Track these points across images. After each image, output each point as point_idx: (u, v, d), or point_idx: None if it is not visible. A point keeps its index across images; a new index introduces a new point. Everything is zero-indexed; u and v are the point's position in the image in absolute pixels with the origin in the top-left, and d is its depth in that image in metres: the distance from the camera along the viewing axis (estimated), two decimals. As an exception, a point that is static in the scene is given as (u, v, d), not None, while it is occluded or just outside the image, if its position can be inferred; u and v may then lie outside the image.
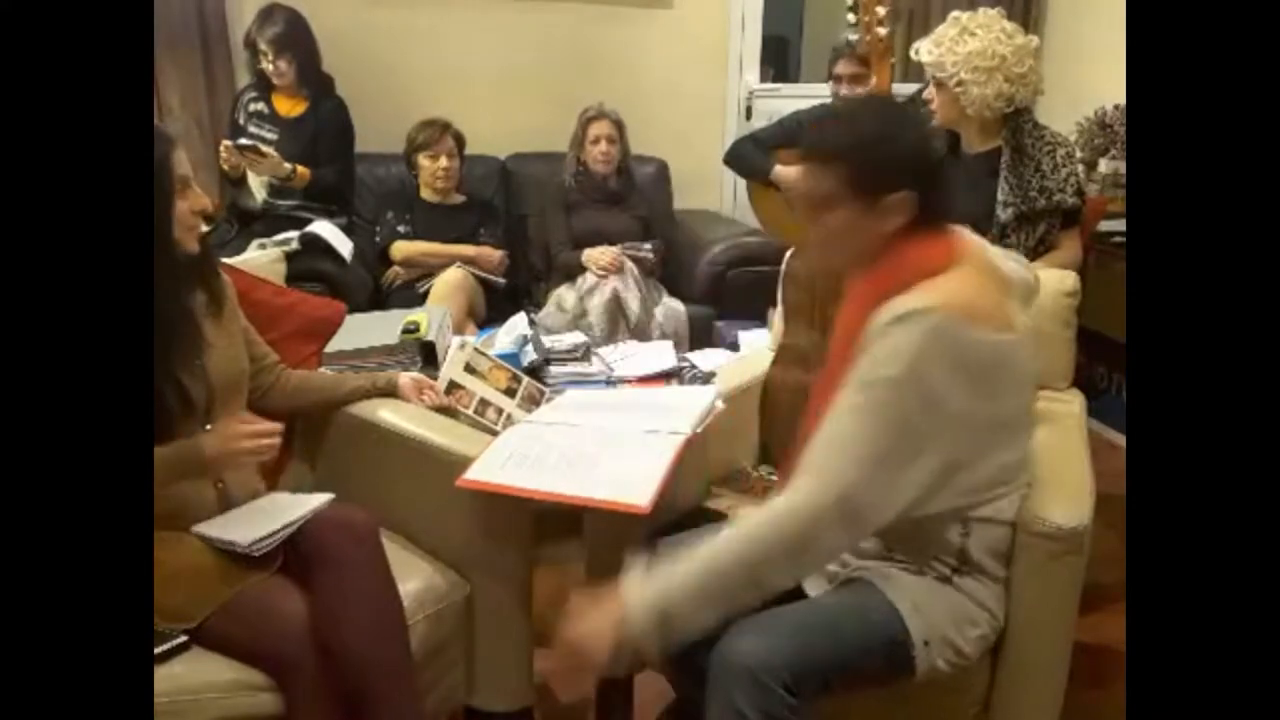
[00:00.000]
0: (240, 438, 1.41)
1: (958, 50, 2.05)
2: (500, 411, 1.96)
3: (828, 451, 1.23)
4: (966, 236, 1.37)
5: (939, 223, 1.34)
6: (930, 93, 2.14)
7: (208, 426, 1.48)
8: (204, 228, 1.50)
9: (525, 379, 2.07)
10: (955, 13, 2.13)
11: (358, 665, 1.30)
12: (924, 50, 2.10)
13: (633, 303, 2.94)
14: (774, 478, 1.90)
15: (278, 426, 1.45)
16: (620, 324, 2.93)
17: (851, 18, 2.26)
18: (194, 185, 1.44)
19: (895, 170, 1.30)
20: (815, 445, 1.25)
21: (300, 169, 2.96)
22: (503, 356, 2.12)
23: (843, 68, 2.99)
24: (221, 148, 2.88)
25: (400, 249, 3.05)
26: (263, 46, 2.97)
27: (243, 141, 2.88)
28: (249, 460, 1.45)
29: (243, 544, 1.35)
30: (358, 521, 1.42)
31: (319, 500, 1.45)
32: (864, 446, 1.22)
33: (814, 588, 1.44)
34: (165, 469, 1.36)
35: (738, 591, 1.23)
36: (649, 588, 1.22)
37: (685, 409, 1.65)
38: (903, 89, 3.00)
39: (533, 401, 2.04)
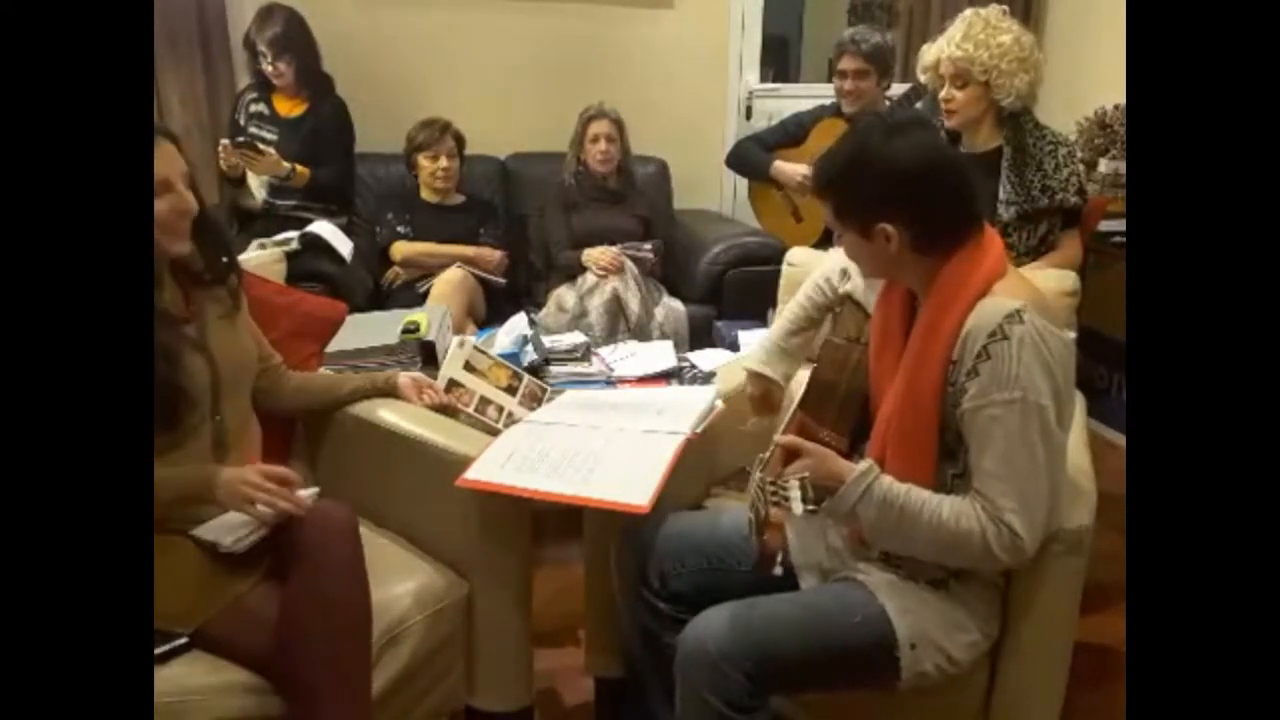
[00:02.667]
0: (255, 489, 1.35)
1: (992, 44, 2.04)
2: (501, 410, 1.94)
3: (1025, 485, 1.23)
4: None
5: (961, 233, 1.28)
6: (949, 93, 2.12)
7: (218, 416, 1.48)
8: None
9: (526, 376, 2.06)
10: (966, 11, 2.12)
11: (313, 662, 1.29)
12: (950, 48, 2.08)
13: (633, 303, 2.94)
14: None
15: (292, 477, 1.39)
16: (620, 324, 2.93)
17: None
18: (178, 187, 1.37)
19: (870, 203, 1.27)
20: (999, 471, 1.23)
21: (299, 168, 2.96)
22: (503, 356, 2.11)
23: (847, 63, 2.97)
24: (220, 147, 2.88)
25: (400, 249, 3.05)
26: (262, 47, 2.97)
27: (240, 139, 2.88)
28: (254, 513, 1.36)
29: (225, 543, 1.35)
30: (334, 519, 1.39)
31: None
32: (1046, 477, 1.24)
33: (806, 582, 1.44)
34: (171, 490, 1.35)
35: (901, 537, 1.29)
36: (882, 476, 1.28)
37: (685, 409, 1.65)
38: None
39: (534, 399, 2.02)
